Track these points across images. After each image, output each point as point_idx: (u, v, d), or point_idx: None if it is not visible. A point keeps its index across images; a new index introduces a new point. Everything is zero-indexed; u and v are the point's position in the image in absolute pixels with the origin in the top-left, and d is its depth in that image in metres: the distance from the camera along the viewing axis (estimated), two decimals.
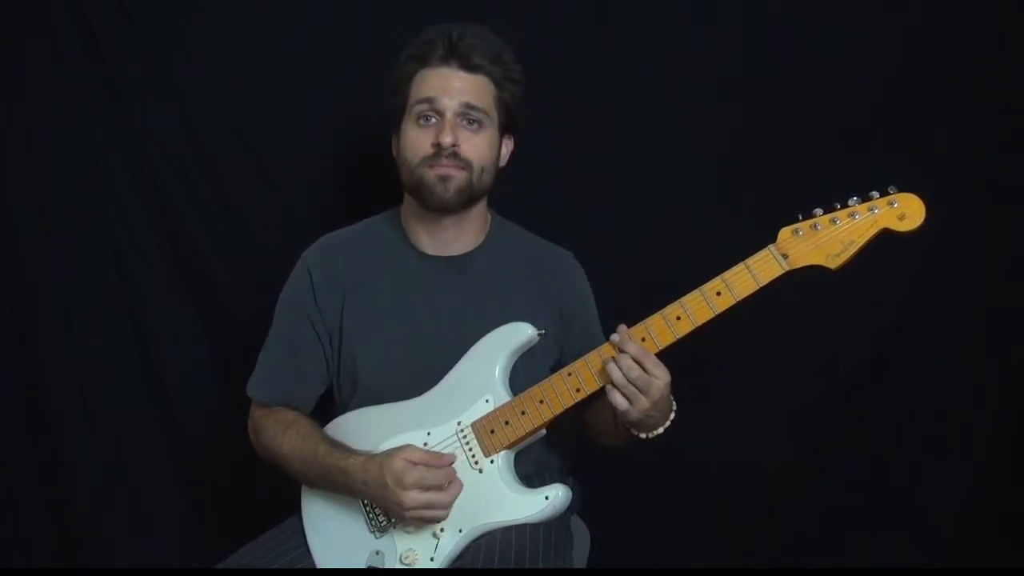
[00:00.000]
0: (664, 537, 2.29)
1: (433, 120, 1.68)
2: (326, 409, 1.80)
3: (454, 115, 1.67)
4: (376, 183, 1.84)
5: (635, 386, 1.51)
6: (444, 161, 1.67)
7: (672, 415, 1.60)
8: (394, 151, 1.77)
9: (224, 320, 2.27)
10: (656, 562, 2.27)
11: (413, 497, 1.55)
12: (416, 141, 1.69)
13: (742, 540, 2.29)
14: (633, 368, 1.51)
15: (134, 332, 2.27)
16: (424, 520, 1.59)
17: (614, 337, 1.54)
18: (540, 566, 1.54)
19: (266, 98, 2.21)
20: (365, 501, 1.65)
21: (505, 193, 1.82)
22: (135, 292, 2.26)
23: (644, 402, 1.52)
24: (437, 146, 1.66)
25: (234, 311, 2.26)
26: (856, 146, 2.15)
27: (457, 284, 1.75)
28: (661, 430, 1.59)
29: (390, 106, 1.75)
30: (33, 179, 2.21)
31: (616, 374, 1.51)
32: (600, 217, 2.20)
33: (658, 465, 2.26)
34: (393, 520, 1.63)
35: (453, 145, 1.66)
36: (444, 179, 1.67)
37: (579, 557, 1.78)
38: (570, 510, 1.67)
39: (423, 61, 1.70)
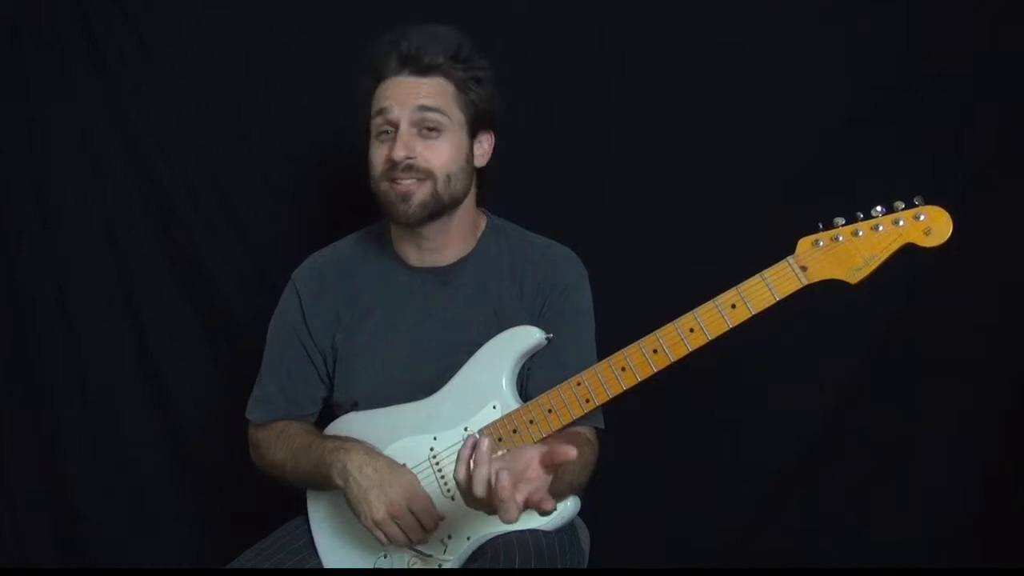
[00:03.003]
0: (664, 537, 2.29)
1: (391, 133, 1.63)
2: (326, 425, 1.78)
3: (409, 124, 1.61)
4: None
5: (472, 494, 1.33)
6: (400, 175, 1.61)
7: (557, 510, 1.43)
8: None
9: (224, 320, 2.27)
10: (656, 562, 2.27)
11: (393, 531, 1.54)
12: (374, 156, 1.65)
13: (742, 541, 2.29)
14: (482, 485, 1.31)
15: (134, 332, 2.27)
16: (374, 532, 1.56)
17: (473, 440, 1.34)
18: (559, 565, 1.52)
19: (267, 98, 2.21)
20: None
21: (505, 193, 1.82)
22: (135, 292, 2.26)
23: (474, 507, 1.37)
24: (391, 160, 1.61)
25: (234, 311, 2.26)
26: (856, 145, 2.15)
27: (446, 295, 1.72)
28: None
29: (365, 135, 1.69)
30: (33, 179, 2.21)
31: (460, 473, 1.33)
32: (600, 217, 2.19)
33: (658, 465, 2.27)
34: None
35: (407, 158, 1.60)
36: (405, 197, 1.62)
37: None
38: None
39: (379, 75, 1.64)
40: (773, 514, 2.28)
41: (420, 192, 1.62)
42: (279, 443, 1.73)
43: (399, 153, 1.60)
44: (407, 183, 1.62)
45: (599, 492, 1.71)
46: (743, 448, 2.26)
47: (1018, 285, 2.16)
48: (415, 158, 1.61)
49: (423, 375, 1.67)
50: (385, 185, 1.64)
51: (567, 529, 1.63)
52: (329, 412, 1.80)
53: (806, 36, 2.13)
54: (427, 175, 1.62)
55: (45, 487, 2.29)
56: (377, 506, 1.54)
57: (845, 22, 2.13)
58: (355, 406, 1.73)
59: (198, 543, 2.32)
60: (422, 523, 1.56)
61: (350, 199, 2.04)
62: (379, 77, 1.65)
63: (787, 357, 2.20)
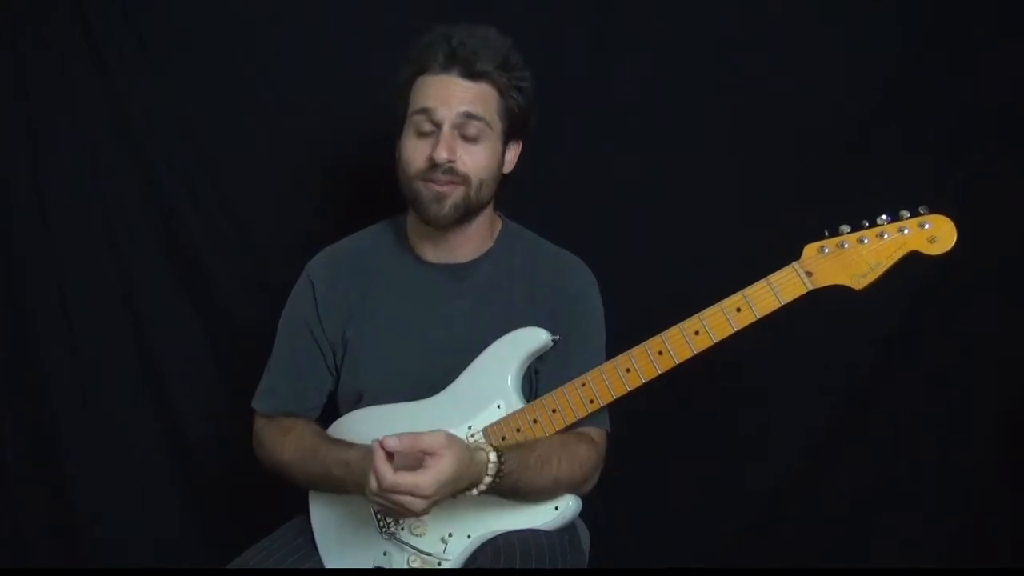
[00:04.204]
0: (665, 537, 2.29)
1: (431, 131, 1.63)
2: (330, 421, 1.79)
3: (451, 127, 1.61)
4: (377, 184, 1.84)
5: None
6: (439, 176, 1.62)
7: (482, 486, 1.50)
8: (397, 158, 1.73)
9: (224, 320, 2.27)
10: (656, 562, 2.27)
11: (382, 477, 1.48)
12: (412, 153, 1.65)
13: (743, 542, 2.29)
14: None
15: (134, 332, 2.27)
16: (378, 501, 1.51)
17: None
18: (560, 566, 1.53)
19: (267, 98, 2.20)
20: None
21: (505, 193, 1.82)
22: (135, 292, 2.26)
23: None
24: (432, 160, 1.62)
25: (234, 311, 2.26)
26: (856, 145, 2.15)
27: (459, 292, 1.73)
28: (475, 492, 1.51)
29: (393, 112, 1.70)
30: (33, 179, 2.20)
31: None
32: (600, 218, 2.19)
33: (659, 466, 2.27)
34: (401, 523, 1.63)
35: (449, 161, 1.61)
36: (439, 198, 1.63)
37: None
38: None
39: (422, 67, 1.63)
40: (774, 515, 2.28)
41: (454, 195, 1.64)
42: (286, 442, 1.73)
43: (442, 155, 1.60)
44: (443, 186, 1.63)
45: (600, 492, 1.71)
46: (744, 450, 2.26)
47: (1018, 286, 2.16)
48: (456, 161, 1.62)
49: (430, 369, 1.68)
50: (419, 183, 1.64)
51: (568, 529, 1.64)
52: (332, 405, 1.81)
53: (806, 36, 2.14)
54: (464, 179, 1.63)
55: (45, 487, 2.29)
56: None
57: (845, 22, 2.13)
58: (360, 398, 1.73)
59: (198, 543, 2.32)
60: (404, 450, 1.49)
61: (351, 198, 2.05)
62: (422, 70, 1.64)
63: (789, 360, 2.20)
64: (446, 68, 1.62)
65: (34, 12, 2.15)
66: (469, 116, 1.62)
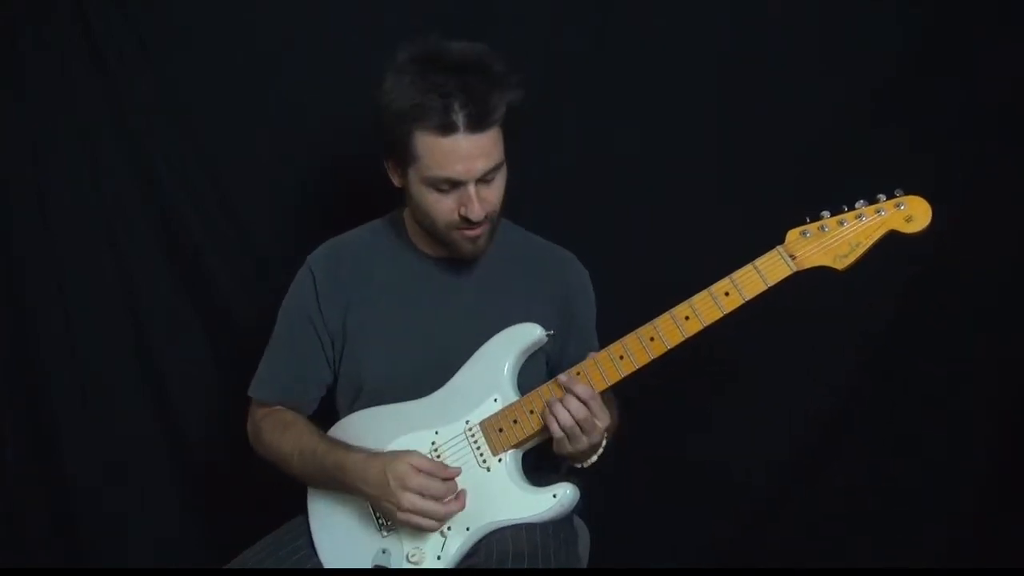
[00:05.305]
0: (664, 537, 2.29)
1: (452, 188, 1.60)
2: (328, 416, 1.79)
3: (476, 183, 1.60)
4: (377, 184, 1.83)
5: (580, 427, 1.53)
6: (471, 225, 1.62)
7: (600, 451, 1.62)
8: (395, 180, 1.70)
9: (224, 320, 2.27)
10: (656, 562, 2.27)
11: (411, 500, 1.54)
12: (437, 206, 1.62)
13: (742, 540, 2.29)
14: (580, 410, 1.53)
15: (134, 332, 2.27)
16: (414, 527, 1.58)
17: (561, 377, 1.57)
18: (552, 566, 1.54)
19: (267, 97, 2.20)
20: None
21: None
22: (135, 292, 2.26)
23: (583, 442, 1.55)
24: (465, 218, 1.61)
25: (234, 311, 2.26)
26: (856, 145, 2.15)
27: (459, 285, 1.75)
28: (595, 458, 1.62)
29: (382, 139, 1.65)
30: (34, 180, 2.20)
31: (563, 416, 1.53)
32: (600, 217, 2.20)
33: (659, 465, 2.27)
34: None
35: (484, 215, 1.61)
36: (474, 240, 1.65)
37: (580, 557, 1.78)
38: (573, 510, 1.67)
39: (424, 124, 1.55)
40: (773, 514, 2.29)
41: (485, 231, 1.66)
42: (284, 438, 1.73)
43: (479, 215, 1.60)
44: (476, 230, 1.64)
45: (599, 493, 1.72)
46: (743, 448, 2.27)
47: (1018, 285, 2.16)
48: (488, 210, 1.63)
49: (429, 361, 1.69)
50: (453, 233, 1.65)
51: (564, 528, 1.65)
52: (331, 401, 1.81)
53: (806, 36, 2.14)
54: (490, 217, 1.64)
55: (45, 487, 2.29)
56: (395, 491, 1.55)
57: (845, 22, 2.13)
58: (360, 391, 1.74)
59: (198, 543, 2.32)
60: (434, 473, 1.57)
61: (351, 198, 2.05)
62: (424, 126, 1.56)
63: (786, 358, 2.21)
64: (455, 128, 1.55)
65: (34, 12, 2.14)
66: (490, 170, 1.61)
